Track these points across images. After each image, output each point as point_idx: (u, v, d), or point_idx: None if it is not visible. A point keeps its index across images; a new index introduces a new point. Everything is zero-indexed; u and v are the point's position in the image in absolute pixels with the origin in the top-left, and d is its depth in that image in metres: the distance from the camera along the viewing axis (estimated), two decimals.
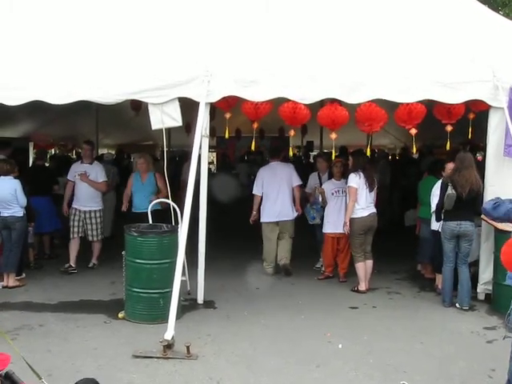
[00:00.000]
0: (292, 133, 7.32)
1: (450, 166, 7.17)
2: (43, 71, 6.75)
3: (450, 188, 6.82)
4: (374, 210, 7.76)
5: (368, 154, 8.10)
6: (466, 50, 7.09)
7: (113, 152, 16.19)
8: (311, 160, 17.30)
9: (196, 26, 7.09)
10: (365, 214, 7.65)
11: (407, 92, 6.66)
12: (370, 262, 7.78)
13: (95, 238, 8.82)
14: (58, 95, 6.76)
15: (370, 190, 7.70)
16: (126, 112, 11.50)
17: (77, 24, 7.18)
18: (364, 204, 7.65)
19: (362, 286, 7.65)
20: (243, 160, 19.03)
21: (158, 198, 7.56)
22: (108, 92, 6.78)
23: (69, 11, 7.37)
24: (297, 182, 8.61)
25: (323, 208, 8.41)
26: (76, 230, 8.73)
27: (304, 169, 15.28)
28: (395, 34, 7.03)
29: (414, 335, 6.04)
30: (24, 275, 7.87)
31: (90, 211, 8.76)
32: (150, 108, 6.83)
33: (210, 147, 13.82)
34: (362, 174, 7.66)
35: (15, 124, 13.11)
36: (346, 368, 5.15)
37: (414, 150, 7.59)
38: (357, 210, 7.65)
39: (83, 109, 10.88)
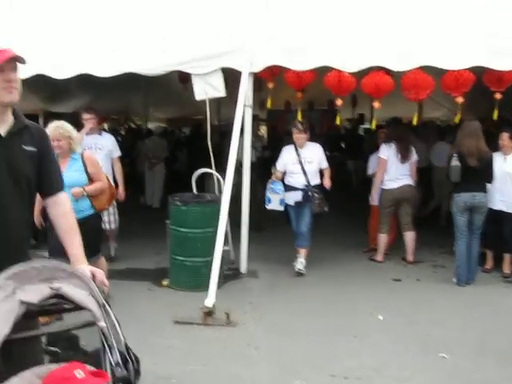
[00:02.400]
0: (339, 102, 7.18)
1: (504, 136, 6.94)
2: (89, 45, 6.87)
3: (454, 159, 6.55)
4: (408, 182, 7.60)
5: (414, 123, 7.84)
6: None
7: (163, 125, 16.39)
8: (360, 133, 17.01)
9: None
10: (394, 185, 7.55)
11: (456, 58, 6.42)
12: (410, 234, 7.68)
13: (112, 226, 7.40)
14: (105, 68, 6.89)
15: (403, 162, 7.54)
16: (176, 86, 11.59)
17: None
18: (393, 176, 7.54)
19: (378, 257, 7.70)
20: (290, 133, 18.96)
21: (85, 191, 5.35)
22: (153, 64, 6.87)
23: None
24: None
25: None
26: None
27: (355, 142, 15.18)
28: None
29: (456, 308, 5.97)
30: None
31: None
32: (194, 79, 6.89)
33: (261, 120, 13.90)
34: (393, 145, 7.53)
35: (68, 99, 13.40)
36: (385, 339, 5.12)
37: (458, 119, 7.31)
38: (386, 182, 7.58)
39: (133, 83, 11.05)
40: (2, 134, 2.66)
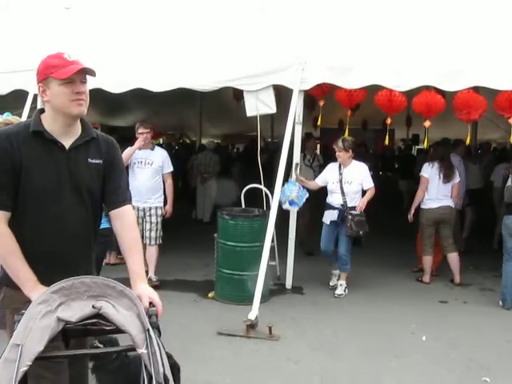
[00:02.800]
0: (388, 121, 7.22)
1: None
2: (144, 60, 7.12)
3: (510, 179, 6.49)
4: (448, 203, 7.49)
5: (468, 143, 7.77)
6: None
7: (217, 141, 16.61)
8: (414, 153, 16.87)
9: (290, 16, 7.15)
10: (434, 205, 7.46)
11: (508, 79, 6.33)
12: (452, 255, 7.58)
13: (152, 242, 7.13)
14: (159, 83, 7.10)
15: (445, 182, 7.44)
16: (230, 103, 11.81)
17: (175, 16, 7.45)
18: (434, 195, 7.46)
19: (426, 279, 7.62)
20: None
21: None
22: (206, 80, 7.05)
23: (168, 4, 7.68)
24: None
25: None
26: None
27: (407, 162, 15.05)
28: (491, 17, 6.70)
29: (502, 333, 5.83)
30: None
31: (150, 208, 7.09)
32: (245, 95, 7.02)
33: (316, 139, 13.95)
34: (436, 165, 7.45)
35: (125, 114, 13.82)
36: (427, 361, 5.05)
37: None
38: (426, 201, 7.51)
39: (189, 99, 11.33)
40: (66, 147, 2.61)
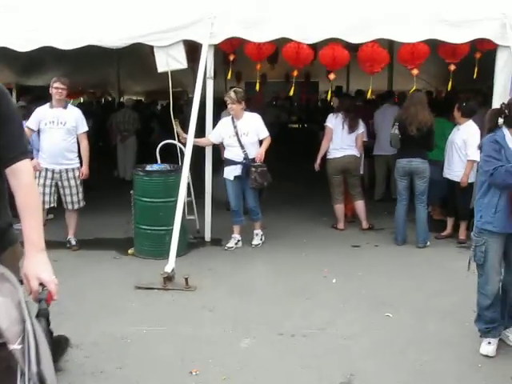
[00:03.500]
0: (295, 73, 7.39)
1: (455, 107, 7.15)
2: (51, 17, 6.89)
3: (394, 127, 6.98)
4: (353, 153, 7.74)
5: (369, 96, 8.12)
6: None
7: (138, 98, 16.41)
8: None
9: None
10: (338, 155, 7.71)
11: (411, 32, 6.58)
12: (359, 203, 7.94)
13: (75, 206, 6.94)
14: (66, 40, 6.91)
15: (350, 132, 7.67)
16: (150, 58, 11.61)
17: None
18: (338, 145, 7.69)
19: (341, 226, 7.94)
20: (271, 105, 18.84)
21: None
22: (115, 36, 6.91)
23: None
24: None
25: None
26: (47, 198, 6.75)
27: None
28: None
29: (409, 272, 6.20)
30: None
31: (66, 170, 6.80)
32: (156, 51, 7.00)
33: None
34: (340, 115, 7.69)
35: (42, 73, 13.36)
36: (336, 301, 5.35)
37: (412, 90, 7.52)
38: (331, 151, 7.75)
39: (107, 56, 11.06)
40: None
